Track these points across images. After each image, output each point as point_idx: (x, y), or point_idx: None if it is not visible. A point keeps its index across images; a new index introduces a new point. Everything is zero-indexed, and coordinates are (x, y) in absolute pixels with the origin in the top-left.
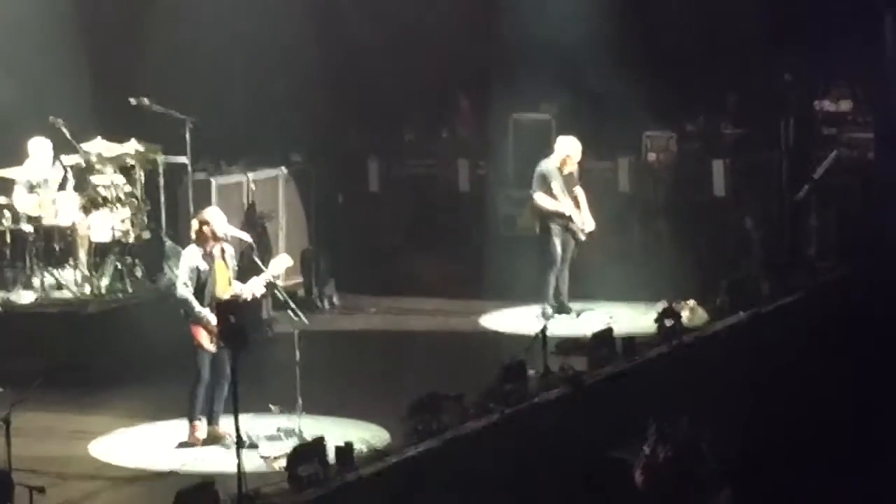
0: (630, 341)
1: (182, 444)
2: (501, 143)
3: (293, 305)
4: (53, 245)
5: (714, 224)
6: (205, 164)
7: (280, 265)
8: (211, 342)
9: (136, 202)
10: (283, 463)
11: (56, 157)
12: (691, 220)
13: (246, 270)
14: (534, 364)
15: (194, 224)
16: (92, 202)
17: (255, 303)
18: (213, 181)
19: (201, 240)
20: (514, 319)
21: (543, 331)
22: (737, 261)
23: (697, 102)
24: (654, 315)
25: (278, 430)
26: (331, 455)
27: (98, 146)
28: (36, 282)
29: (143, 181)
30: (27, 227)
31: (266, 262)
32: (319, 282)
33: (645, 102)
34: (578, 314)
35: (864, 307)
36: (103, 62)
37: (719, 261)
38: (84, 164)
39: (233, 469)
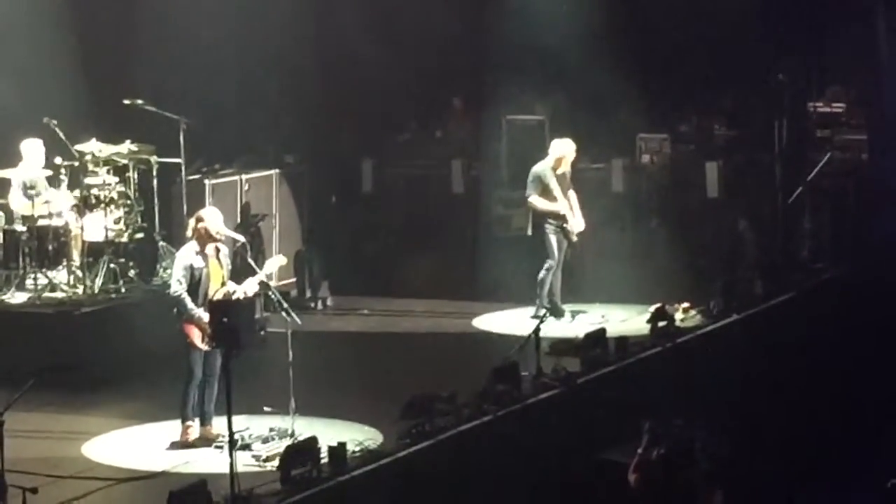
0: (623, 342)
1: (175, 445)
2: (495, 144)
3: (286, 306)
4: (47, 245)
5: (707, 225)
6: (198, 165)
7: (274, 265)
8: (203, 341)
9: (129, 203)
10: (275, 463)
11: (48, 158)
12: (685, 222)
13: (239, 271)
14: (527, 365)
15: (190, 222)
16: (85, 203)
17: (249, 303)
18: (207, 182)
19: (197, 238)
20: (507, 321)
21: (536, 332)
22: (730, 262)
23: (691, 104)
24: (647, 316)
25: (271, 430)
26: (324, 456)
27: (92, 147)
28: (29, 282)
29: (136, 182)
30: (20, 228)
31: (259, 263)
32: (313, 282)
33: (638, 104)
34: (572, 315)
35: (857, 309)
36: (97, 63)
37: (712, 262)
38: (77, 165)
39: (225, 469)
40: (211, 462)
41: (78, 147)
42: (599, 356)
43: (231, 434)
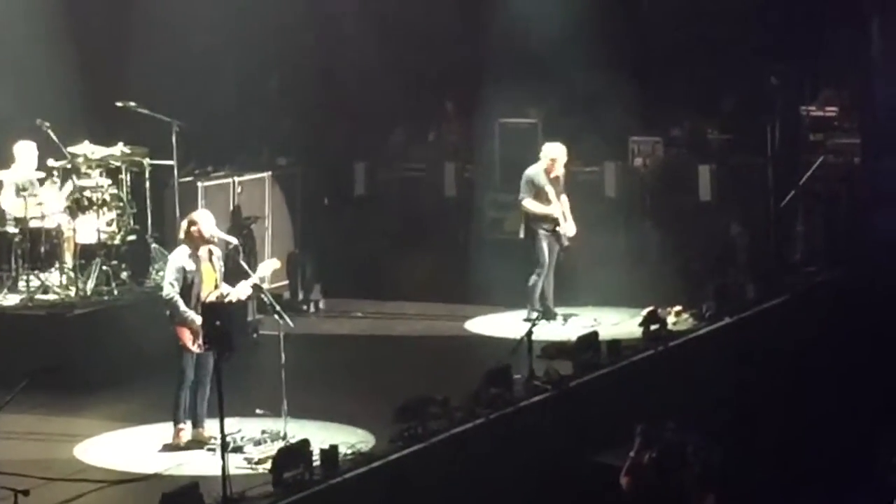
0: (615, 345)
1: (167, 447)
2: (488, 147)
3: (279, 308)
4: (39, 247)
5: (700, 229)
6: (191, 168)
7: (267, 268)
8: (195, 343)
9: (122, 205)
10: (267, 466)
11: (40, 160)
12: (677, 225)
13: (232, 273)
14: (519, 368)
15: (183, 225)
16: (78, 205)
17: (241, 305)
18: (200, 184)
19: (189, 240)
20: (499, 323)
21: (529, 335)
22: (722, 266)
23: (684, 107)
24: (639, 319)
25: (263, 433)
26: (316, 458)
27: (85, 149)
28: (21, 284)
29: (129, 184)
30: (13, 230)
31: (252, 266)
32: (305, 285)
33: (631, 107)
34: (564, 319)
35: (850, 312)
36: (90, 65)
37: (705, 265)
38: (70, 167)
39: (217, 472)
40: (203, 464)
41: (70, 149)
42: (592, 359)
43: (223, 436)
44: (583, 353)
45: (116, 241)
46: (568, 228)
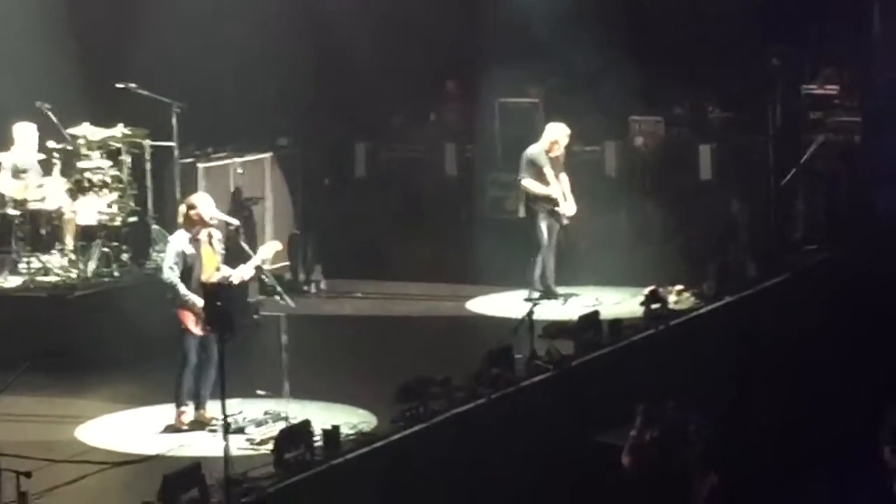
0: (617, 325)
1: (169, 429)
2: (488, 127)
3: (280, 289)
4: (40, 229)
5: (701, 208)
6: (191, 149)
7: (269, 250)
8: (197, 326)
9: (122, 186)
10: (269, 447)
11: (41, 142)
12: (678, 204)
13: (232, 255)
14: (520, 348)
15: (182, 208)
16: (78, 186)
17: (242, 287)
18: (200, 165)
19: (188, 224)
20: (500, 303)
21: (530, 315)
22: (723, 245)
23: (684, 86)
24: (640, 299)
25: (265, 413)
26: (317, 439)
27: (85, 131)
28: (22, 266)
29: (129, 165)
30: (13, 212)
31: (253, 247)
32: (306, 266)
33: (632, 86)
34: (565, 298)
35: (851, 290)
36: (90, 47)
37: (706, 244)
38: (70, 149)
39: (220, 453)
40: (205, 445)
41: (71, 131)
42: (593, 339)
43: (225, 417)
44: (584, 333)
45: (117, 223)
46: (568, 208)
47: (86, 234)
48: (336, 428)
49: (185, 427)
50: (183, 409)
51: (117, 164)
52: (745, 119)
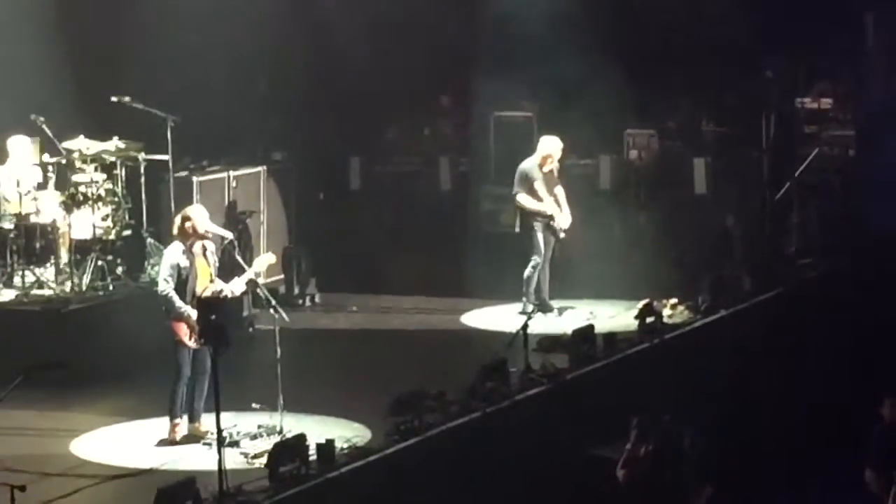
0: (611, 338)
1: (163, 442)
2: (483, 140)
3: (274, 303)
4: (34, 243)
5: (695, 221)
6: (186, 162)
7: (263, 263)
8: (191, 338)
9: (116, 200)
10: (264, 460)
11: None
12: (672, 218)
13: (227, 268)
14: (515, 361)
15: (177, 220)
16: (73, 200)
17: (236, 300)
18: (195, 179)
19: (183, 236)
20: (495, 317)
21: (525, 328)
22: (718, 258)
23: (679, 100)
24: (635, 312)
25: (260, 427)
26: (312, 452)
27: (80, 144)
28: (16, 280)
29: (124, 179)
30: (8, 225)
31: (247, 260)
32: (301, 280)
33: (626, 100)
34: (560, 312)
35: (845, 303)
36: (85, 60)
37: (700, 258)
38: (65, 162)
39: (214, 466)
40: (199, 459)
41: (65, 144)
42: (588, 352)
43: (219, 431)
44: (579, 346)
45: (111, 237)
46: (563, 220)
47: (80, 248)
48: (330, 441)
49: (180, 440)
50: (177, 421)
51: (112, 177)
52: (740, 133)
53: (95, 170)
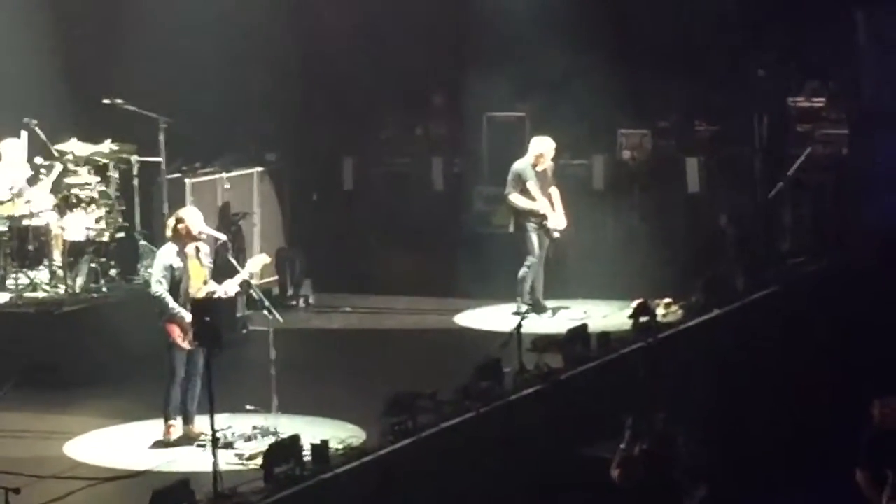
0: (605, 338)
1: (157, 444)
2: (476, 140)
3: (268, 304)
4: (27, 245)
5: (688, 221)
6: (179, 164)
7: (256, 264)
8: (185, 340)
9: (110, 202)
10: (258, 462)
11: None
12: (666, 217)
13: (220, 269)
14: (509, 361)
15: (170, 222)
16: (66, 202)
17: (230, 301)
18: (188, 181)
19: (177, 237)
20: (489, 317)
21: (518, 328)
22: (711, 257)
23: (671, 99)
24: (628, 312)
25: (254, 428)
26: (306, 453)
27: (72, 146)
28: (10, 282)
29: (117, 181)
30: (1, 228)
31: (240, 262)
32: (294, 281)
33: (619, 100)
34: (554, 311)
35: (838, 302)
36: (77, 63)
37: (694, 257)
38: (58, 165)
39: (208, 468)
40: (194, 461)
41: (58, 147)
42: (582, 352)
43: (214, 432)
44: (572, 346)
45: (105, 239)
46: (558, 221)
47: (74, 250)
48: (325, 442)
49: (174, 442)
50: (171, 423)
51: (105, 179)
52: (732, 132)
53: (89, 172)
